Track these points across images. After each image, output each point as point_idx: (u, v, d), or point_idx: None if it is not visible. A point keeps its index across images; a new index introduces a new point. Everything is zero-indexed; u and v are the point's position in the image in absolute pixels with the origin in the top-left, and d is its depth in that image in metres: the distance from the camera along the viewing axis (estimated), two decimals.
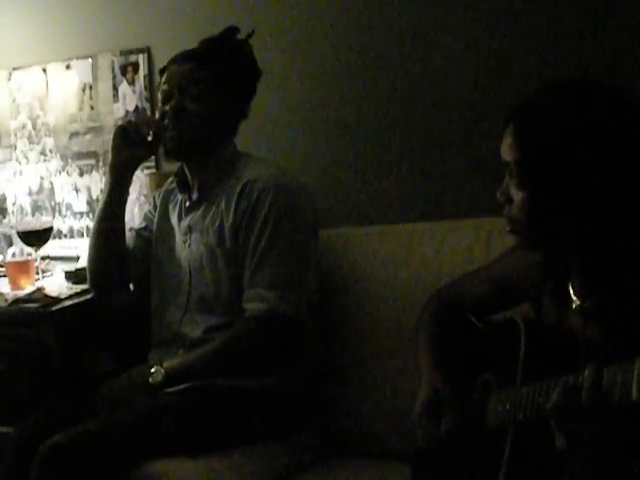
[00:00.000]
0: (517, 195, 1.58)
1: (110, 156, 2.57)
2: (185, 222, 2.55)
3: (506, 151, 1.59)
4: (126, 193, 2.62)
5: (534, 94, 1.58)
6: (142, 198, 3.20)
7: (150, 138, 2.52)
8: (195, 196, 2.53)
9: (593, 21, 2.53)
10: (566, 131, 1.50)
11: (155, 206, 2.70)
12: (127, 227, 2.69)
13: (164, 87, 2.49)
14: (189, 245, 2.52)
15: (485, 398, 1.73)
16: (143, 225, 2.72)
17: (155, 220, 2.67)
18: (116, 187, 2.59)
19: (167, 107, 2.47)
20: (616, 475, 1.36)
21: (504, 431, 1.60)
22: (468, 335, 1.94)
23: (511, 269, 1.90)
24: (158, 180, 2.98)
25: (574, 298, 1.63)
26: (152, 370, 2.35)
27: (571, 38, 2.56)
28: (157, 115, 2.53)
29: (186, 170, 2.56)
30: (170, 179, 2.69)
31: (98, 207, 2.65)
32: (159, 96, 2.53)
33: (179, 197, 2.61)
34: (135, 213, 3.18)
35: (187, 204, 2.56)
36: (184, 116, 2.45)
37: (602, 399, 1.31)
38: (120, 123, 2.63)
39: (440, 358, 1.91)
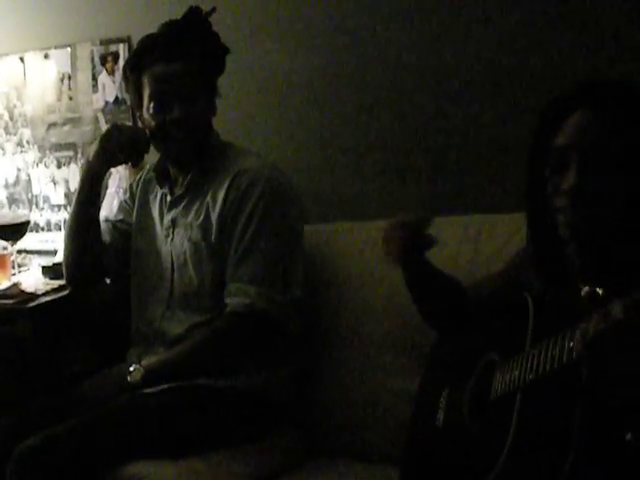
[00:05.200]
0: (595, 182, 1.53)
1: (92, 149, 2.49)
2: (168, 216, 2.48)
3: (580, 133, 1.54)
4: (100, 188, 2.57)
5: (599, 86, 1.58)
6: (121, 191, 3.13)
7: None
8: (180, 191, 2.46)
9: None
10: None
11: (132, 196, 2.63)
12: (105, 220, 2.64)
13: (158, 92, 2.36)
14: (172, 240, 2.46)
15: (489, 376, 1.67)
16: (120, 217, 2.65)
17: (134, 211, 2.60)
18: (91, 183, 2.52)
19: (169, 117, 2.35)
20: None
21: (510, 402, 1.54)
22: (470, 323, 1.92)
23: (515, 266, 1.89)
24: (137, 172, 2.90)
25: (583, 285, 1.58)
26: (131, 369, 2.29)
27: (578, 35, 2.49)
28: (149, 121, 2.40)
29: (170, 166, 2.50)
30: (147, 167, 2.62)
31: (72, 202, 2.59)
32: (145, 100, 2.39)
33: (159, 189, 2.54)
34: (114, 206, 3.10)
35: (169, 198, 2.49)
36: (191, 123, 2.37)
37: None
38: (117, 123, 2.54)
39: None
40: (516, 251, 1.96)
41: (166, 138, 2.40)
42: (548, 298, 1.67)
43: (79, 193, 2.54)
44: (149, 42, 2.42)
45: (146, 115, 2.41)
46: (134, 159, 2.49)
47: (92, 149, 2.49)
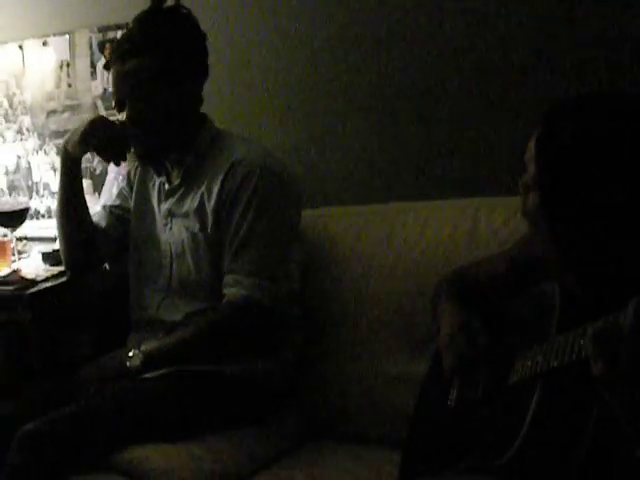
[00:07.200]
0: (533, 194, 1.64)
1: (71, 138, 2.47)
2: (165, 205, 2.48)
3: (529, 158, 1.64)
4: (79, 172, 2.56)
5: (559, 107, 1.60)
6: (120, 177, 3.13)
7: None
8: (177, 181, 2.45)
9: None
10: (587, 151, 1.52)
11: (130, 182, 2.63)
12: (103, 206, 2.65)
13: (114, 92, 2.40)
14: (170, 228, 2.46)
15: (509, 361, 1.69)
16: (117, 203, 2.65)
17: (133, 198, 2.60)
18: (69, 169, 2.53)
19: (123, 116, 2.37)
20: None
21: (530, 387, 1.56)
22: (491, 307, 1.92)
23: (534, 251, 1.88)
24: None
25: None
26: (130, 354, 2.31)
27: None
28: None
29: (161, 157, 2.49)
30: None
31: (57, 191, 2.59)
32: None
33: (157, 178, 2.53)
34: (114, 193, 3.11)
35: (166, 187, 2.49)
36: (145, 123, 2.36)
37: None
38: (99, 118, 2.54)
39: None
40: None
41: (127, 136, 2.41)
42: (575, 288, 1.67)
43: (59, 180, 2.55)
44: (119, 39, 2.43)
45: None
46: (112, 159, 2.49)
47: (71, 138, 2.47)
